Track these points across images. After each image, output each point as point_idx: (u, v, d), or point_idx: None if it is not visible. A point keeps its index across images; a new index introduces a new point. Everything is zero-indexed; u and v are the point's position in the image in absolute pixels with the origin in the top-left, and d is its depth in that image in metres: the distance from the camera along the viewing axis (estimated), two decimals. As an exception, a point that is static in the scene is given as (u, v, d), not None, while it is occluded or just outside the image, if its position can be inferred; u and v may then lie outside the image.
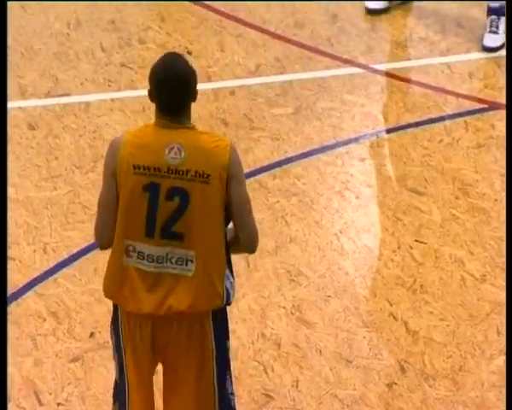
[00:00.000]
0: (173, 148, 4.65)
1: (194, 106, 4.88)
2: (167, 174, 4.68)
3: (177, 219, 4.75)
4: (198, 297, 4.76)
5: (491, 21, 8.74)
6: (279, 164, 7.71)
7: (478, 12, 9.18)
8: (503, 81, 8.42)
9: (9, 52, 8.70)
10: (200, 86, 5.29)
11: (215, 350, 4.90)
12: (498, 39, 8.74)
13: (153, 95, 4.63)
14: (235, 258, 6.04)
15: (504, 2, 8.78)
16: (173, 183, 4.68)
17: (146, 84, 4.81)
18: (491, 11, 8.80)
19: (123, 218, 4.76)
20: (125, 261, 4.74)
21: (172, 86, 4.70)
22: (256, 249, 4.90)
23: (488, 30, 8.76)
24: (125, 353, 4.94)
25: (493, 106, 8.20)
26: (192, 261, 4.78)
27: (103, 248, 4.87)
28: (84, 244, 6.49)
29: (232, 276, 4.95)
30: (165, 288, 4.78)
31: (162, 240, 4.69)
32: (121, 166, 4.68)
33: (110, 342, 5.08)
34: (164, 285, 4.76)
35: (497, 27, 8.78)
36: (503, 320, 6.27)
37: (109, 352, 5.22)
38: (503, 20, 8.85)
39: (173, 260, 4.78)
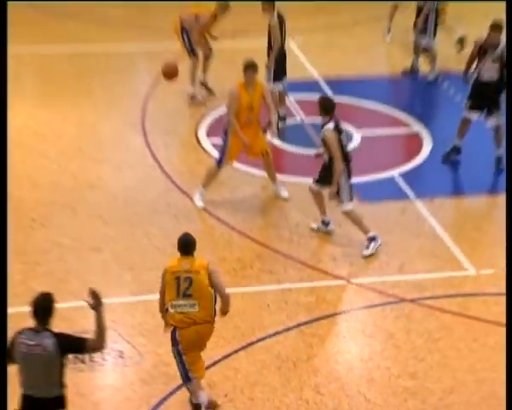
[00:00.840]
0: (185, 263, 7.53)
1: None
2: (183, 272, 7.50)
3: (189, 289, 7.48)
4: (202, 316, 7.53)
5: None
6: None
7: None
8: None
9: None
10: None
11: None
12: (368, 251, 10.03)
13: (179, 249, 7.61)
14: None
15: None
16: (185, 275, 7.48)
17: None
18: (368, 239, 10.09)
19: (169, 293, 7.57)
20: (172, 310, 7.55)
21: (185, 244, 7.68)
22: (228, 299, 7.60)
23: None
24: (185, 354, 7.57)
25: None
26: (196, 304, 7.52)
27: (161, 310, 7.71)
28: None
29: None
30: (189, 318, 7.51)
31: (183, 298, 7.49)
32: (167, 275, 7.57)
33: (175, 355, 7.57)
34: (188, 317, 7.51)
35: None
36: None
37: None
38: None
39: (189, 306, 7.52)
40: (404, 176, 12.00)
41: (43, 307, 6.42)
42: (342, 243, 10.56)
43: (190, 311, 7.60)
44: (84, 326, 8.49)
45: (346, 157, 10.17)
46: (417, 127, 13.26)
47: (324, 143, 10.16)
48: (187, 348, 7.65)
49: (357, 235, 10.58)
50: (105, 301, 8.96)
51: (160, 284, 7.74)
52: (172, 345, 7.67)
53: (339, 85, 14.22)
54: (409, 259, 10.27)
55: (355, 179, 10.54)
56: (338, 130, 10.10)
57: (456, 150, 12.36)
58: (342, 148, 10.11)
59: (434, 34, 14.32)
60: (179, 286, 7.62)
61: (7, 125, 9.08)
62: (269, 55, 12.55)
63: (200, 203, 11.18)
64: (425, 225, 10.92)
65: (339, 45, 15.87)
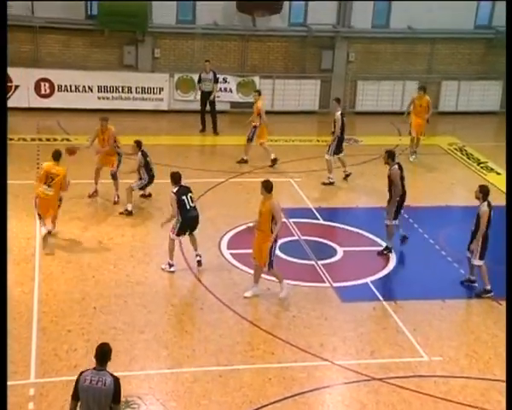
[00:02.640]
0: (53, 167, 11.54)
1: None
2: (51, 173, 11.59)
3: (52, 181, 11.55)
4: (54, 195, 11.61)
5: None
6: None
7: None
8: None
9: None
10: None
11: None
12: None
13: (52, 157, 12.06)
14: None
15: None
16: (51, 175, 11.53)
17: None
18: None
19: (41, 180, 11.83)
20: (40, 189, 11.53)
21: (56, 156, 12.18)
22: (67, 185, 12.33)
23: None
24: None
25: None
26: (53, 189, 11.53)
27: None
28: None
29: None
30: (47, 195, 11.61)
31: (48, 186, 11.62)
32: (43, 171, 11.52)
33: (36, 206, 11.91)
34: (47, 195, 11.57)
35: None
36: None
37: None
38: None
39: (49, 190, 11.66)
40: (375, 282, 11.89)
41: (103, 352, 6.67)
42: (328, 333, 10.47)
43: (49, 192, 11.88)
44: (130, 391, 8.54)
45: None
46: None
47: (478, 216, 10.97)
48: (41, 208, 12.03)
49: (340, 328, 10.54)
50: (146, 372, 9.13)
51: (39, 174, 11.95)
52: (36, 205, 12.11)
53: (326, 213, 14.34)
54: (378, 346, 10.15)
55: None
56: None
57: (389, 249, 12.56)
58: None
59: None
60: (47, 179, 11.79)
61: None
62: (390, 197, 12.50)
63: (247, 294, 11.06)
64: (390, 321, 10.80)
65: (329, 185, 15.90)
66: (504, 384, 7.48)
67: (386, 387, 9.17)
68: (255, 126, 16.39)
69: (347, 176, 15.89)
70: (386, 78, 21.46)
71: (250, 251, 11.38)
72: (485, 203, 10.96)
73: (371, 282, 11.94)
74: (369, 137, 19.37)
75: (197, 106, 20.00)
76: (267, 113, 20.07)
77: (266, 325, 10.42)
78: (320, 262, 12.36)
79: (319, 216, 14.16)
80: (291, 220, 13.70)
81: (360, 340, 10.19)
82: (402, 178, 12.32)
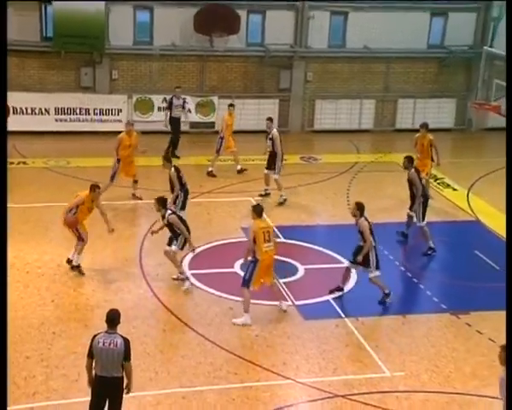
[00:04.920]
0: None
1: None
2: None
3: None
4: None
5: None
6: None
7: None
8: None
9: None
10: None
11: None
12: None
13: None
14: None
15: None
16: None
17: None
18: None
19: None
20: None
21: None
22: None
23: None
24: None
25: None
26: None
27: None
28: None
29: None
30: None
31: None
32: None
33: None
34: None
35: None
36: None
37: None
38: None
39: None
40: (336, 300, 11.97)
41: (112, 317, 7.47)
42: (290, 351, 10.48)
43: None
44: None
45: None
46: (346, 264, 13.28)
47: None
48: None
49: (303, 346, 10.56)
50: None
51: None
52: None
53: (287, 231, 14.38)
54: (340, 363, 10.19)
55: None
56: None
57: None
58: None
59: None
60: None
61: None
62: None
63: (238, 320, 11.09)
64: (352, 338, 10.85)
65: (290, 203, 15.92)
66: (465, 397, 7.55)
67: (350, 404, 9.21)
68: (221, 138, 17.17)
69: (285, 200, 15.68)
70: (344, 96, 21.79)
71: (210, 271, 11.37)
72: (363, 218, 11.45)
73: (333, 299, 12.02)
74: (328, 155, 19.61)
75: (156, 126, 19.80)
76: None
77: (229, 345, 10.38)
78: (282, 280, 12.37)
79: (280, 234, 14.16)
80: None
81: (323, 357, 10.20)
82: (420, 180, 13.58)
